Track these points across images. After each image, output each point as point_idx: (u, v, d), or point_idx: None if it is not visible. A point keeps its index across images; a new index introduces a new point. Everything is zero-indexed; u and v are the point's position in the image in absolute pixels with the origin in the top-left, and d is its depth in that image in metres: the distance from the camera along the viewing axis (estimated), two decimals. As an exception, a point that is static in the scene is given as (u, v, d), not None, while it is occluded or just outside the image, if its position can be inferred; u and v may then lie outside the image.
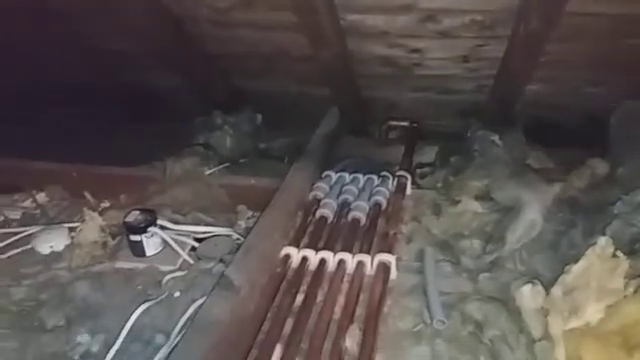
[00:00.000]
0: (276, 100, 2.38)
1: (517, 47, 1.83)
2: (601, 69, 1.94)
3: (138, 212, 1.63)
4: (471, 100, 2.26)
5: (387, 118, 2.47)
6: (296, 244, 1.55)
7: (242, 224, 1.78)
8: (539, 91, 2.10)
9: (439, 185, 1.91)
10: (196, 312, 1.26)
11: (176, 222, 1.71)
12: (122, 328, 1.31)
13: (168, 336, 1.30)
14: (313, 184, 1.87)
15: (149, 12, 2.01)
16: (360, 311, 1.33)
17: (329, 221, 1.70)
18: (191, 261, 1.59)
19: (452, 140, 2.16)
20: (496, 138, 1.95)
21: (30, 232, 1.74)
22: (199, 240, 1.66)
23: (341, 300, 1.37)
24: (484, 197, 1.74)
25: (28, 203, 1.96)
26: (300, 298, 1.37)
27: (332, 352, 1.20)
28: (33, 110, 2.41)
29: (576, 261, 1.28)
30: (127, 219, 1.60)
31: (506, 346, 1.22)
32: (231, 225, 1.76)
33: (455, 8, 1.78)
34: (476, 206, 1.71)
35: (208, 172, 2.04)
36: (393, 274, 1.47)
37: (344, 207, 1.76)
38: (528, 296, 1.26)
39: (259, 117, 2.43)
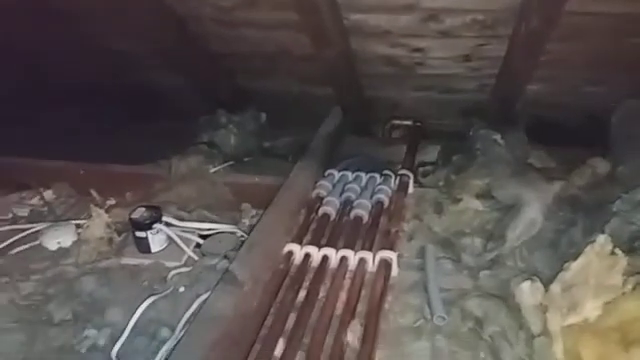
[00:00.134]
0: (280, 99, 2.40)
1: (518, 46, 1.84)
2: (601, 68, 1.95)
3: (144, 209, 1.65)
4: (473, 99, 2.28)
5: (390, 117, 2.49)
6: (299, 241, 1.57)
7: (246, 222, 1.80)
8: (540, 90, 2.12)
9: (441, 184, 1.92)
10: (200, 307, 1.29)
11: (181, 219, 1.73)
12: (128, 322, 1.34)
13: (173, 330, 1.33)
14: (316, 182, 1.89)
15: (153, 12, 2.03)
16: (361, 307, 1.35)
17: (332, 219, 1.72)
18: (196, 257, 1.62)
19: (455, 139, 2.17)
20: (498, 137, 1.96)
21: (38, 229, 1.77)
22: (204, 237, 1.69)
23: (343, 296, 1.39)
24: (485, 195, 1.76)
25: (36, 200, 1.99)
26: (302, 294, 1.39)
27: (334, 346, 1.22)
28: (36, 110, 2.42)
29: (575, 258, 1.30)
30: (133, 216, 1.63)
31: (506, 342, 1.24)
32: (235, 222, 1.78)
33: (457, 8, 1.80)
34: (477, 204, 1.73)
35: (213, 170, 2.07)
36: (394, 271, 1.49)
37: (347, 205, 1.78)
38: (527, 292, 1.28)
39: (263, 116, 2.45)
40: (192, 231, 1.70)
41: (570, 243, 1.45)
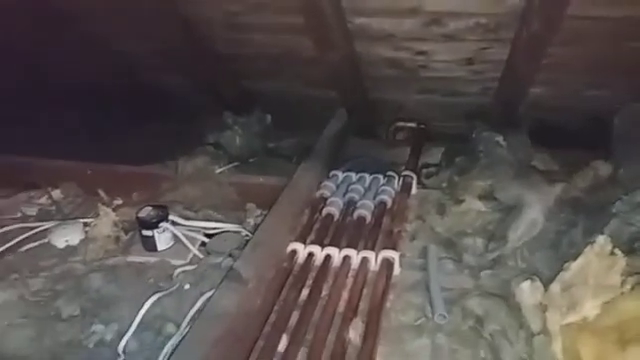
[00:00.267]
0: (285, 101, 2.43)
1: (520, 50, 1.86)
2: (603, 72, 1.96)
3: (150, 208, 1.68)
4: (476, 102, 2.29)
5: (394, 119, 2.51)
6: (302, 240, 1.60)
7: (251, 221, 1.83)
8: (542, 94, 2.13)
9: (444, 185, 1.94)
10: (205, 304, 1.31)
11: (187, 218, 1.76)
12: (134, 318, 1.36)
13: (178, 326, 1.35)
14: (320, 183, 1.91)
15: (160, 14, 2.07)
16: (363, 305, 1.38)
17: (335, 219, 1.75)
18: (201, 256, 1.64)
19: (458, 141, 2.19)
20: (500, 139, 1.98)
21: (46, 227, 1.80)
22: (209, 236, 1.71)
23: (345, 294, 1.41)
24: (488, 197, 1.77)
25: (44, 200, 2.02)
26: (306, 292, 1.42)
27: (336, 343, 1.24)
28: (46, 110, 2.45)
29: (575, 259, 1.31)
30: (140, 214, 1.65)
31: (506, 340, 1.26)
32: (240, 222, 1.81)
33: (460, 11, 1.82)
34: (480, 205, 1.75)
35: (218, 171, 2.10)
36: (396, 270, 1.51)
37: (350, 205, 1.80)
38: (527, 292, 1.30)
39: (268, 118, 2.49)
40: (198, 230, 1.72)
41: (570, 244, 1.47)
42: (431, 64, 2.12)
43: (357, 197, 1.83)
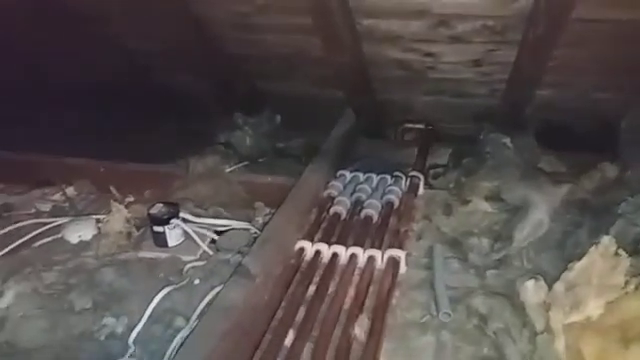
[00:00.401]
0: (294, 102, 2.45)
1: (527, 52, 1.87)
2: (609, 75, 1.96)
3: (162, 205, 1.72)
4: (484, 104, 2.30)
5: (402, 121, 2.52)
6: (310, 238, 1.62)
7: (259, 219, 1.86)
8: (549, 96, 2.13)
9: (451, 186, 1.96)
10: (214, 298, 1.34)
11: (197, 216, 1.79)
12: (145, 311, 1.40)
13: (188, 320, 1.38)
14: (328, 183, 1.94)
15: (171, 14, 2.10)
16: (369, 302, 1.40)
17: (342, 218, 1.77)
18: (211, 252, 1.67)
19: (466, 143, 2.21)
20: (507, 141, 2.00)
21: (60, 223, 1.84)
22: (219, 233, 1.75)
23: (351, 291, 1.43)
24: (494, 198, 1.79)
25: (58, 196, 2.07)
26: (312, 288, 1.44)
27: (341, 339, 1.27)
28: (60, 109, 2.49)
29: (579, 259, 1.33)
30: (151, 211, 1.69)
31: (509, 338, 1.27)
32: (249, 220, 1.84)
33: (467, 13, 1.83)
34: (486, 206, 1.77)
35: (228, 170, 2.13)
36: (402, 269, 1.53)
37: (357, 205, 1.82)
38: (531, 291, 1.31)
39: (278, 118, 2.51)
40: (208, 227, 1.76)
41: (576, 244, 1.48)
42: (439, 66, 2.13)
43: (364, 197, 1.86)
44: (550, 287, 1.32)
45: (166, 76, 2.55)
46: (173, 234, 1.69)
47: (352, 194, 1.88)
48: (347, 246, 1.58)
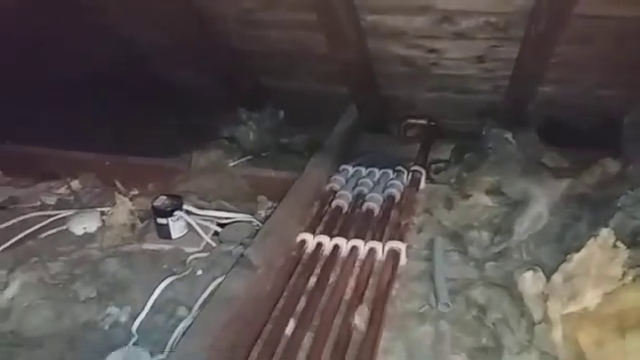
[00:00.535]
0: (298, 98, 2.47)
1: (529, 49, 1.88)
2: (612, 71, 1.96)
3: (165, 197, 1.74)
4: (487, 100, 2.31)
5: (406, 116, 2.54)
6: (312, 231, 1.64)
7: (262, 213, 1.88)
8: (552, 92, 2.14)
9: (452, 180, 1.97)
10: (217, 289, 1.36)
11: (201, 208, 1.81)
12: (148, 301, 1.41)
13: (190, 309, 1.40)
14: (330, 177, 1.96)
15: (176, 8, 2.12)
16: (369, 293, 1.41)
17: (344, 211, 1.79)
18: (213, 244, 1.69)
19: (469, 139, 2.22)
20: (509, 136, 2.01)
21: (65, 215, 1.86)
22: (221, 225, 1.76)
23: (352, 282, 1.45)
24: (495, 192, 1.81)
25: (63, 190, 2.09)
26: (314, 280, 1.46)
27: (341, 328, 1.28)
28: (62, 103, 2.49)
29: (578, 251, 1.34)
30: (155, 203, 1.71)
31: (508, 328, 1.29)
32: (251, 213, 1.85)
33: (470, 10, 1.84)
34: (487, 200, 1.78)
35: (232, 164, 2.15)
36: (403, 260, 1.55)
37: (359, 198, 1.84)
38: (529, 282, 1.33)
39: (281, 113, 2.54)
40: (211, 219, 1.78)
41: (575, 237, 1.49)
42: (442, 62, 2.14)
43: (366, 190, 1.87)
44: (548, 278, 1.33)
45: (169, 71, 2.57)
46: (176, 226, 1.71)
47: (354, 188, 1.89)
48: (348, 238, 1.60)
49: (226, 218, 1.79)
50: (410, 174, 1.98)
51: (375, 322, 1.29)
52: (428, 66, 2.19)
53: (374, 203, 1.78)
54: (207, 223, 1.76)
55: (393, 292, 1.43)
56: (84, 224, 1.80)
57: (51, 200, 2.02)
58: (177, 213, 1.70)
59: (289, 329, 1.28)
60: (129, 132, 2.39)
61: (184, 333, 1.25)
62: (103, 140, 2.18)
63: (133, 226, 1.77)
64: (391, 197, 1.84)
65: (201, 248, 1.68)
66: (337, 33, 2.03)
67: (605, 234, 1.33)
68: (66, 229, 1.80)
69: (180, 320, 1.37)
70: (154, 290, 1.44)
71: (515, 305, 1.33)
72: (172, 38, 2.29)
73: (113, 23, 2.39)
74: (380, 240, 1.59)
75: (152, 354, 1.22)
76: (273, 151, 2.40)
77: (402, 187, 1.89)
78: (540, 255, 1.52)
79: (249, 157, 2.26)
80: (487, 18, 1.86)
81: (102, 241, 1.72)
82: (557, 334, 1.21)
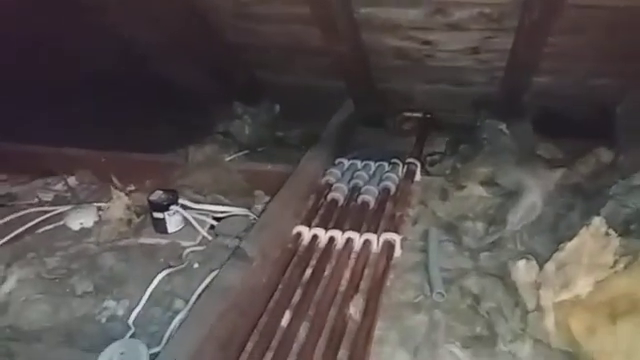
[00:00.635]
0: (293, 92, 2.47)
1: (523, 39, 1.88)
2: (605, 61, 1.97)
3: (161, 192, 1.75)
4: (483, 92, 2.31)
5: (402, 110, 2.54)
6: (307, 223, 1.65)
7: (259, 207, 1.87)
8: (547, 83, 2.14)
9: (447, 172, 1.99)
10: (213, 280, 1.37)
11: (197, 202, 1.81)
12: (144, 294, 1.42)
13: (187, 302, 1.41)
14: (326, 170, 1.96)
15: (172, 3, 2.12)
16: (364, 284, 1.42)
17: (340, 204, 1.79)
18: (210, 237, 1.70)
19: (465, 131, 2.23)
20: (504, 127, 2.02)
21: (62, 210, 1.87)
22: (218, 219, 1.77)
23: (347, 274, 1.46)
24: (489, 183, 1.82)
25: (60, 186, 2.10)
26: (309, 271, 1.47)
27: (337, 318, 1.30)
28: (59, 99, 2.50)
29: (571, 240, 1.35)
30: (151, 197, 1.72)
31: (501, 317, 1.30)
32: (248, 208, 1.86)
33: (464, 1, 1.84)
34: (481, 191, 1.79)
35: (228, 159, 2.15)
36: (397, 252, 1.56)
37: (354, 191, 1.85)
38: (523, 270, 1.33)
39: (277, 107, 2.54)
40: (207, 213, 1.78)
41: (568, 226, 1.50)
42: (437, 54, 2.14)
43: (362, 183, 1.88)
44: (542, 268, 1.34)
45: (164, 66, 2.57)
46: (173, 220, 1.72)
47: (350, 181, 1.90)
48: (344, 231, 1.61)
49: (222, 212, 1.79)
50: (405, 167, 1.99)
51: (370, 312, 1.31)
52: (422, 58, 2.19)
53: (369, 196, 1.79)
54: (203, 217, 1.76)
55: (388, 283, 1.44)
56: (81, 219, 1.81)
57: (48, 197, 2.03)
58: (173, 207, 1.71)
59: (285, 320, 1.29)
60: (125, 129, 2.39)
61: (181, 325, 1.26)
62: (102, 138, 2.18)
63: (130, 221, 1.78)
64: (386, 189, 1.85)
65: (197, 242, 1.69)
66: (331, 26, 2.03)
67: (597, 223, 1.34)
68: (63, 224, 1.81)
69: (177, 312, 1.38)
70: (151, 283, 1.45)
71: (509, 294, 1.34)
72: (168, 34, 2.29)
73: (113, 23, 2.39)
74: (375, 232, 1.60)
75: (149, 346, 1.23)
76: (269, 145, 2.41)
77: (397, 180, 1.90)
78: (534, 245, 1.53)
79: (245, 151, 2.26)
80: (481, 9, 1.86)
81: (99, 236, 1.72)
82: (549, 322, 1.22)
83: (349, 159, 2.06)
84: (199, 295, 1.41)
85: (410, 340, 1.27)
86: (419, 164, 2.01)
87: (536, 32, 1.83)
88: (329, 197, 1.81)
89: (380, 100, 2.53)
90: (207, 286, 1.41)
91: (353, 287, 1.40)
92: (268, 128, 2.47)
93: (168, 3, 2.11)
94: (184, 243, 1.68)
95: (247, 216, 1.79)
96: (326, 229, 1.61)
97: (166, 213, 1.70)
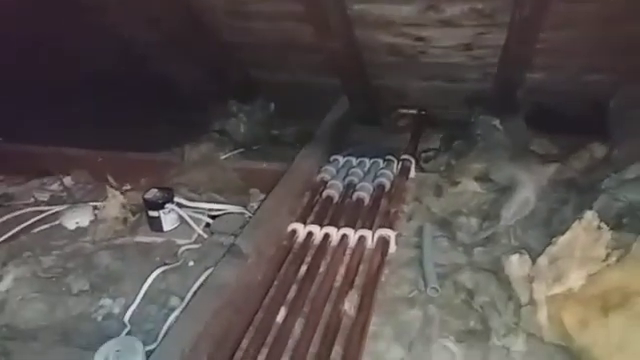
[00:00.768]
0: (288, 89, 2.48)
1: (515, 34, 1.89)
2: (597, 55, 1.97)
3: (156, 190, 1.75)
4: (477, 88, 2.31)
5: (396, 106, 2.54)
6: (302, 220, 1.66)
7: (254, 205, 1.88)
8: (540, 78, 2.14)
9: (442, 168, 2.00)
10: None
11: (192, 200, 1.82)
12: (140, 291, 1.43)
13: (182, 299, 1.41)
14: (321, 167, 1.97)
15: (172, 5, 2.13)
16: (359, 280, 1.43)
17: (335, 201, 1.80)
18: (205, 235, 1.71)
19: (459, 127, 2.23)
20: (497, 123, 2.03)
21: (58, 210, 1.88)
22: (213, 217, 1.78)
23: (342, 270, 1.47)
24: (483, 178, 1.83)
25: (56, 186, 2.10)
26: (304, 268, 1.48)
27: (332, 313, 1.30)
28: (57, 99, 2.50)
29: (563, 234, 1.36)
30: (146, 196, 1.72)
31: (495, 311, 1.31)
32: (244, 206, 1.87)
33: (455, -3, 1.85)
34: (475, 186, 1.80)
35: (223, 157, 2.16)
36: (392, 248, 1.57)
37: (349, 188, 1.86)
38: (516, 265, 1.34)
39: (272, 106, 2.54)
40: (202, 211, 1.79)
41: (561, 221, 1.51)
42: (430, 50, 2.15)
43: (356, 180, 1.89)
44: (535, 262, 1.35)
45: (161, 65, 2.57)
46: (168, 219, 1.72)
47: (345, 178, 1.91)
48: (338, 227, 1.61)
49: (217, 210, 1.80)
50: (400, 163, 2.00)
51: (365, 307, 1.31)
52: (416, 54, 2.19)
53: (364, 192, 1.80)
54: (199, 215, 1.77)
55: (383, 278, 1.45)
56: (77, 218, 1.81)
57: (44, 197, 2.04)
58: (168, 206, 1.71)
59: (280, 317, 1.30)
60: (122, 128, 2.39)
61: (176, 322, 1.26)
62: (101, 138, 2.18)
63: (125, 219, 1.79)
64: (381, 186, 1.86)
65: (193, 240, 1.69)
66: (324, 23, 2.03)
67: (589, 216, 1.35)
68: (59, 224, 1.82)
69: (172, 310, 1.39)
70: (146, 281, 1.45)
71: (502, 288, 1.35)
72: (167, 34, 2.29)
73: (113, 23, 2.39)
74: (370, 228, 1.61)
75: (145, 344, 1.23)
76: (264, 143, 2.41)
77: (392, 176, 1.91)
78: (527, 239, 1.54)
79: (241, 150, 2.27)
80: (473, 5, 1.86)
81: (94, 235, 1.73)
82: (542, 315, 1.23)
83: (344, 156, 2.07)
84: (194, 292, 1.42)
85: (404, 335, 1.28)
86: (413, 160, 2.02)
87: (527, 28, 1.84)
88: (324, 194, 1.82)
89: (374, 97, 2.53)
90: (202, 283, 1.42)
91: (348, 283, 1.41)
92: (263, 126, 2.48)
93: (167, 3, 2.11)
94: (179, 241, 1.69)
95: (242, 214, 1.80)
96: (321, 226, 1.62)
97: (161, 211, 1.70)
